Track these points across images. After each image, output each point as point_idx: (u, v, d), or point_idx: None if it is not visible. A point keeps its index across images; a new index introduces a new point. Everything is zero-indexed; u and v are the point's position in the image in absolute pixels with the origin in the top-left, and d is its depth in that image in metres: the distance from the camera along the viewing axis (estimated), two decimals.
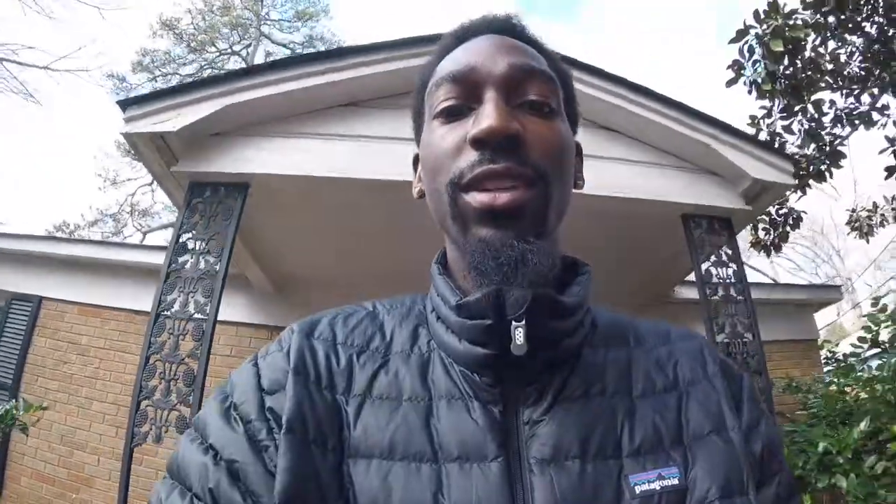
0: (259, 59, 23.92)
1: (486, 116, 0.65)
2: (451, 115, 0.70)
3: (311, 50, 24.45)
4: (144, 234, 22.13)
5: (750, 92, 5.94)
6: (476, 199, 0.64)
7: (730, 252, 3.97)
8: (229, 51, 23.92)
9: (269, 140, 3.69)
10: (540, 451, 0.62)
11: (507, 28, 0.77)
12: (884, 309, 4.49)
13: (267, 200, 3.88)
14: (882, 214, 6.87)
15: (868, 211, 6.98)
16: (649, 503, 0.60)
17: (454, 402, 0.66)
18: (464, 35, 0.77)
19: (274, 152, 3.66)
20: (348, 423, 0.64)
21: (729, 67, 5.89)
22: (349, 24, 43.18)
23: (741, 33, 5.62)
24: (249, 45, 24.11)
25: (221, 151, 3.64)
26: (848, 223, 7.12)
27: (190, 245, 3.51)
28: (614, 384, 0.69)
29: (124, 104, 3.49)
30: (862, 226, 6.89)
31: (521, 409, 0.65)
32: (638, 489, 0.61)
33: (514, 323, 0.64)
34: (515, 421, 0.65)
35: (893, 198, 6.85)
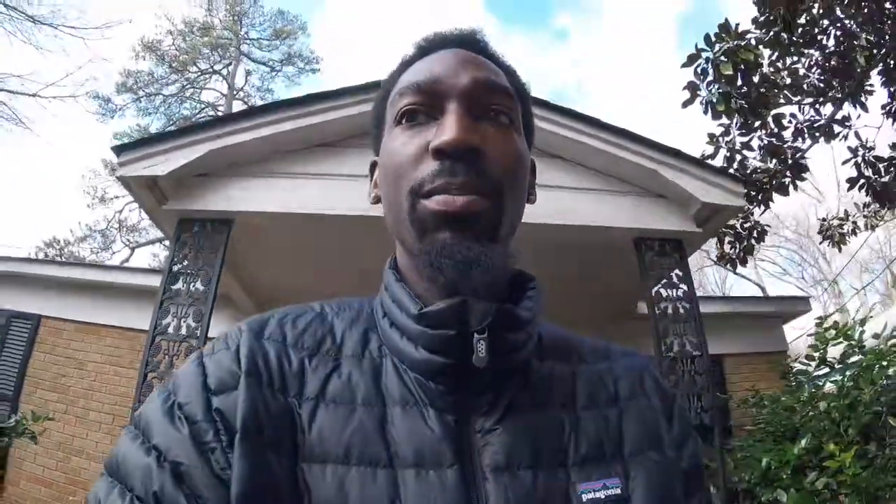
0: (239, 78, 24.44)
1: (448, 128, 0.66)
2: (413, 121, 0.71)
3: (290, 67, 25.00)
4: (133, 249, 22.57)
5: (706, 112, 6.03)
6: (434, 201, 0.65)
7: (680, 274, 4.21)
8: (210, 70, 24.38)
9: (249, 180, 4.21)
10: (493, 460, 0.63)
11: (469, 42, 0.78)
12: (835, 326, 4.67)
13: (249, 233, 4.39)
14: (854, 222, 7.09)
15: (839, 220, 7.20)
16: None
17: (409, 408, 0.66)
18: (427, 48, 0.78)
19: (254, 191, 4.18)
20: (302, 426, 0.63)
21: (685, 88, 5.99)
22: (326, 40, 43.57)
23: (692, 58, 5.80)
24: (230, 63, 24.62)
25: (207, 190, 4.15)
26: (820, 232, 7.33)
27: (181, 275, 4.03)
28: (560, 396, 0.71)
29: (118, 150, 4.01)
30: (833, 234, 7.13)
31: (473, 418, 0.66)
32: (585, 497, 0.63)
33: (476, 335, 0.65)
34: (468, 429, 0.65)
35: (865, 205, 7.02)
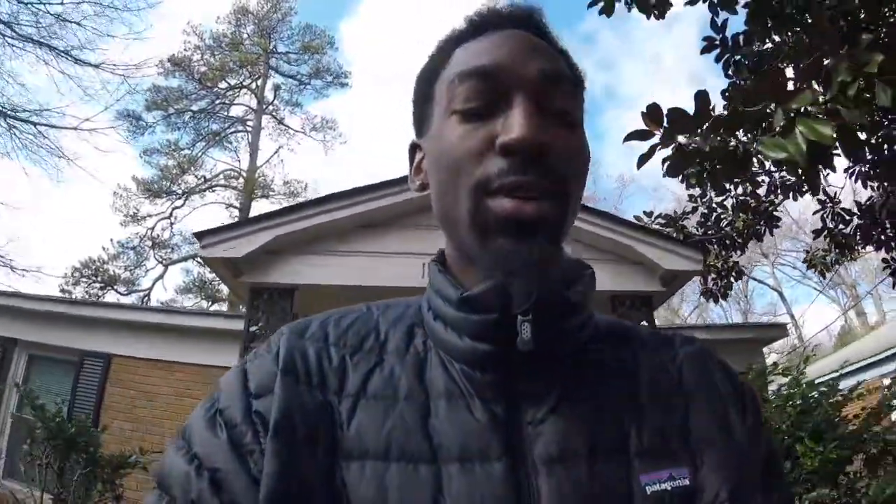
0: (268, 92, 25.42)
1: (519, 125, 0.63)
2: (473, 111, 0.67)
3: (318, 81, 25.95)
4: (166, 266, 23.73)
5: (682, 182, 6.65)
6: (502, 205, 0.62)
7: (647, 323, 5.21)
8: (239, 85, 25.42)
9: (308, 257, 5.23)
10: (546, 451, 0.61)
11: (529, 22, 0.74)
12: (775, 364, 5.43)
13: (310, 299, 5.37)
14: (837, 251, 7.51)
15: (823, 251, 7.71)
16: (661, 501, 0.60)
17: (454, 400, 0.64)
18: (482, 24, 0.73)
19: (312, 266, 5.20)
20: (341, 423, 0.62)
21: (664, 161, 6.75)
22: (358, 46, 44.44)
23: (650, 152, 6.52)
24: (259, 78, 25.60)
25: (274, 266, 5.16)
26: (804, 261, 7.97)
27: (257, 336, 4.99)
28: (619, 384, 0.69)
29: (200, 235, 5.04)
30: (817, 265, 7.70)
31: (524, 408, 0.63)
32: (649, 489, 0.60)
33: (520, 318, 0.63)
34: (519, 419, 0.63)
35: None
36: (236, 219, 21.14)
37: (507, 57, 0.68)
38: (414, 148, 0.81)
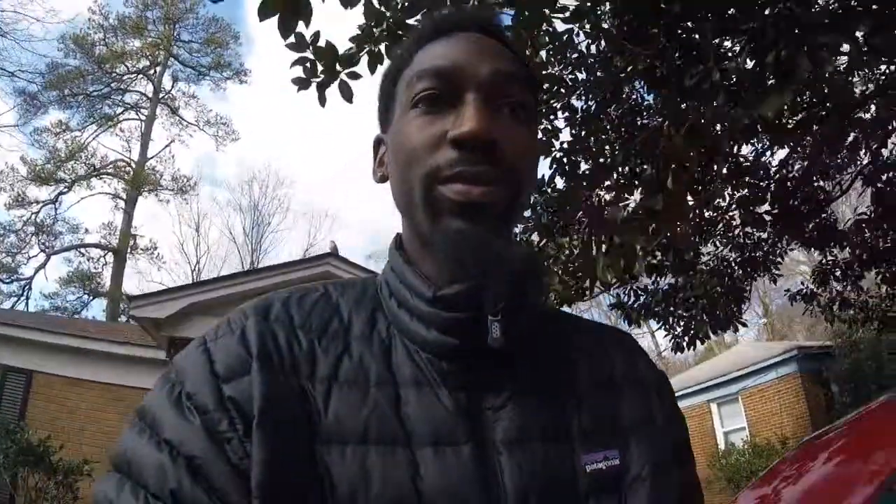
0: (167, 82, 26.05)
1: (468, 119, 0.67)
2: (430, 107, 0.71)
3: (217, 74, 26.83)
4: (49, 255, 24.04)
5: None
6: (452, 189, 0.67)
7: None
8: (138, 70, 25.79)
9: (216, 318, 6.94)
10: (506, 434, 0.66)
11: (486, 27, 0.78)
12: None
13: None
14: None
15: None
16: (598, 479, 0.68)
17: (422, 388, 0.68)
18: (442, 26, 0.78)
19: None
20: (318, 409, 0.64)
21: None
22: (266, 49, 44.46)
23: None
24: (158, 65, 26.07)
25: (189, 324, 7.03)
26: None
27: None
28: (563, 374, 0.75)
29: (130, 299, 6.84)
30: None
31: (484, 395, 0.69)
32: (588, 468, 0.68)
33: (490, 318, 0.67)
34: (480, 406, 0.68)
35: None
36: (122, 209, 22.94)
37: (462, 57, 0.72)
38: (378, 142, 0.85)
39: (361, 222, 61.64)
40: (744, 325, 7.88)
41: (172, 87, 26.89)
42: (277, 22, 2.48)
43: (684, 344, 7.25)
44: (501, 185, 0.69)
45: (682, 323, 7.29)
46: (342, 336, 0.71)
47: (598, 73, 4.81)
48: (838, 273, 7.66)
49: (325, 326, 0.71)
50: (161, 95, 26.26)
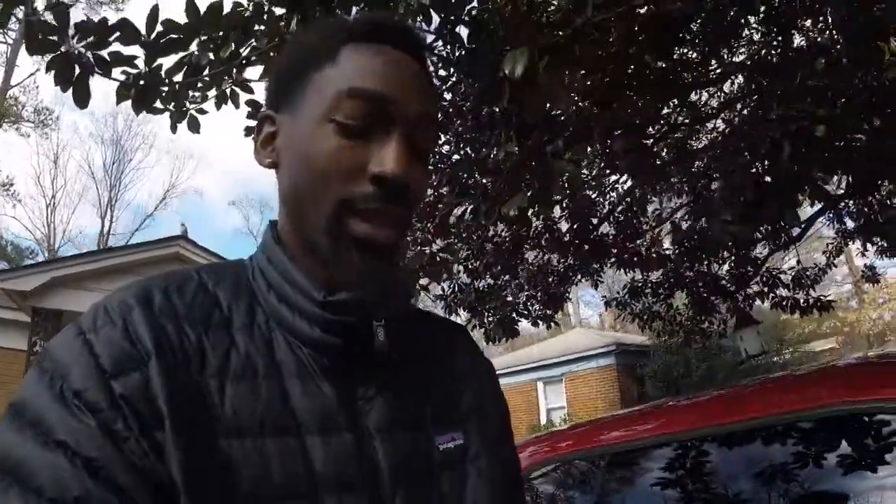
0: (39, 2, 24.93)
1: (394, 159, 0.70)
2: (352, 129, 0.71)
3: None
4: None
5: None
6: (361, 227, 0.71)
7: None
8: None
9: (72, 291, 7.93)
10: (377, 423, 0.73)
11: (414, 43, 0.79)
12: None
13: (71, 319, 8.16)
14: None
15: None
16: (448, 456, 0.78)
17: (305, 380, 0.71)
18: (377, 31, 0.76)
19: (74, 298, 7.87)
20: (213, 403, 0.64)
21: None
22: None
23: None
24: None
25: (50, 295, 7.80)
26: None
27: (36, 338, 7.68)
28: (421, 366, 0.85)
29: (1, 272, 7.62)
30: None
31: (357, 387, 0.74)
32: (441, 448, 0.78)
33: (374, 323, 0.74)
34: (353, 396, 0.74)
35: None
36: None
37: (395, 88, 0.72)
38: (266, 119, 0.81)
39: (226, 166, 61.87)
40: (556, 323, 8.88)
41: (45, 9, 25.29)
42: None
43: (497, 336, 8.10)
44: (402, 225, 0.75)
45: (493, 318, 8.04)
46: (226, 329, 0.71)
47: None
48: (648, 291, 8.48)
49: (208, 319, 0.70)
50: (31, 17, 24.91)
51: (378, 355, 0.75)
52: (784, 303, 8.00)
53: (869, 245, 7.40)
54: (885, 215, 6.52)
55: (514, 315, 8.34)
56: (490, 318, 8.22)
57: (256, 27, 3.10)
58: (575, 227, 7.20)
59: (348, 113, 0.72)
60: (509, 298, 8.31)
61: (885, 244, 7.34)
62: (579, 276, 8.34)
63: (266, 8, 3.10)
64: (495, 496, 0.80)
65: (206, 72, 3.05)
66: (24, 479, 0.56)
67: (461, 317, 8.15)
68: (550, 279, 8.20)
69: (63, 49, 2.66)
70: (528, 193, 3.68)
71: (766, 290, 7.98)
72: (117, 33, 2.69)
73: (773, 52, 5.50)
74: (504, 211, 3.62)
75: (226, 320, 0.72)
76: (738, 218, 4.61)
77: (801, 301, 7.85)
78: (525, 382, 17.61)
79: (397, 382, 0.78)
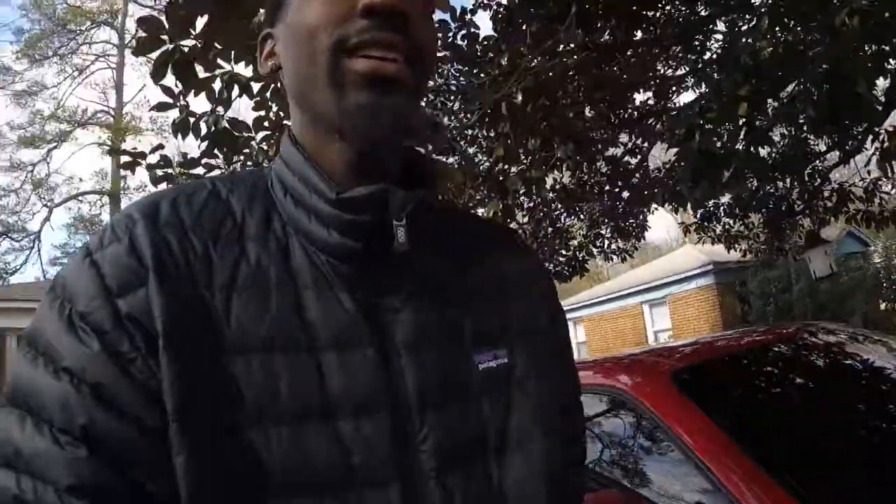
0: (130, 26, 26.52)
1: None
2: None
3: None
4: (50, 209, 25.42)
5: None
6: (361, 63, 0.64)
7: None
8: (100, 21, 26.12)
9: None
10: (404, 336, 0.67)
11: None
12: None
13: None
14: None
15: None
16: (489, 376, 0.71)
17: (322, 290, 0.66)
18: None
19: None
20: (219, 318, 0.61)
21: None
22: None
23: None
24: (118, 12, 26.30)
25: None
26: None
27: None
28: (457, 274, 0.76)
29: None
30: None
31: (383, 297, 0.68)
32: (480, 366, 0.71)
33: (395, 222, 0.67)
34: (379, 309, 0.68)
35: None
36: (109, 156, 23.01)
37: None
38: (266, 38, 0.79)
39: None
40: (630, 255, 9.67)
41: (137, 31, 26.82)
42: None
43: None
44: (412, 62, 0.67)
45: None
46: (237, 238, 0.67)
47: None
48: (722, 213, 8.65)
49: (218, 228, 0.67)
50: (127, 41, 26.65)
51: (402, 259, 0.69)
52: (859, 216, 7.87)
53: None
54: None
55: (583, 255, 8.80)
56: (561, 258, 8.72)
57: None
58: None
59: None
60: (574, 241, 8.67)
61: None
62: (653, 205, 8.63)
63: None
64: (546, 423, 0.73)
65: None
66: (37, 410, 0.56)
67: None
68: (619, 213, 8.61)
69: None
70: None
71: (836, 202, 7.82)
72: None
73: None
74: None
75: (237, 229, 0.68)
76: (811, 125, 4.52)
77: (877, 213, 7.68)
78: (632, 306, 17.70)
79: (430, 291, 0.72)
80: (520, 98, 4.33)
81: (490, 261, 0.81)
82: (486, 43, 5.46)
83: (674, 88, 7.68)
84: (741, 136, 4.37)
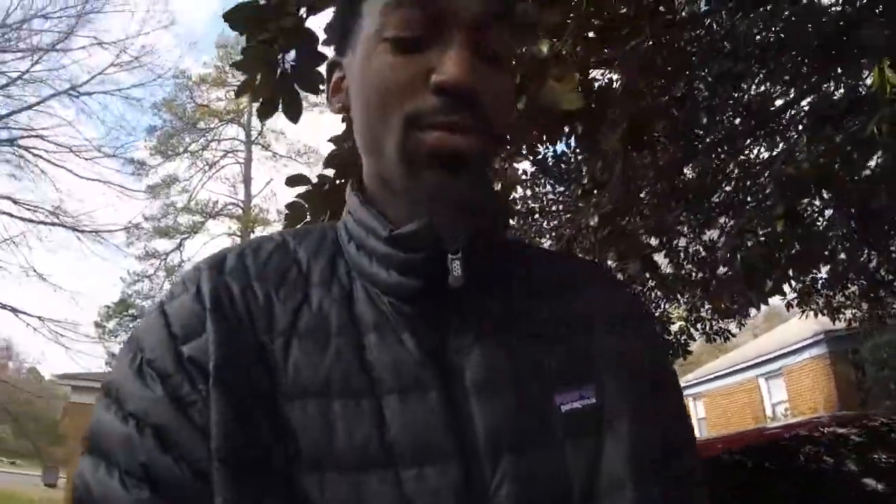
0: (255, 123, 28.68)
1: (455, 65, 0.62)
2: (407, 42, 0.65)
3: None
4: None
5: None
6: (431, 137, 0.63)
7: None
8: (227, 119, 28.44)
9: None
10: (474, 378, 0.63)
11: None
12: None
13: None
14: None
15: None
16: (574, 418, 0.64)
17: (385, 333, 0.65)
18: None
19: None
20: (276, 363, 0.62)
21: None
22: None
23: None
24: (244, 109, 28.36)
25: None
26: None
27: None
28: (531, 310, 0.71)
29: None
30: None
31: (450, 338, 0.66)
32: (564, 408, 0.64)
33: (450, 256, 0.64)
34: (446, 350, 0.65)
35: None
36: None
37: None
38: (333, 66, 0.78)
39: None
40: (731, 336, 9.69)
41: (262, 129, 29.03)
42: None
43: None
44: (480, 135, 0.64)
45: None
46: (301, 285, 0.67)
47: None
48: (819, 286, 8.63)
49: (283, 276, 0.68)
50: (253, 137, 28.69)
51: (468, 296, 0.67)
52: None
53: None
54: None
55: (685, 338, 9.08)
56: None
57: None
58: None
59: (397, 25, 0.65)
60: (674, 326, 8.98)
61: None
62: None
63: None
64: (639, 471, 0.65)
65: None
66: (107, 454, 0.58)
67: None
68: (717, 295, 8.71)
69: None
70: None
71: None
72: None
73: None
74: None
75: (302, 277, 0.69)
76: None
77: None
78: (748, 380, 17.44)
79: (502, 329, 0.68)
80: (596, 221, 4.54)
81: (573, 294, 0.76)
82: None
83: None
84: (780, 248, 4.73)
